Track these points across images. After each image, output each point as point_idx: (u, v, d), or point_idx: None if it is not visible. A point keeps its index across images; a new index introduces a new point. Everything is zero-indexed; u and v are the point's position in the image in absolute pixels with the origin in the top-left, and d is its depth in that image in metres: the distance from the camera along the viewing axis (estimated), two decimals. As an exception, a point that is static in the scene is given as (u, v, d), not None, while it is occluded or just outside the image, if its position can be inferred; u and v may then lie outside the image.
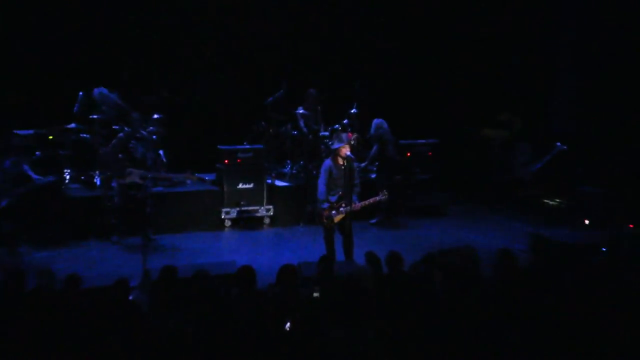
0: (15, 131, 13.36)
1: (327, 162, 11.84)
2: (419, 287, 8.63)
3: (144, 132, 13.32)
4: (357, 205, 11.61)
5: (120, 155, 13.03)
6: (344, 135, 12.04)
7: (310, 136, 15.55)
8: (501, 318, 7.92)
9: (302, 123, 15.69)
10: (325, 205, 11.63)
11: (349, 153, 11.68)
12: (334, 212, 11.68)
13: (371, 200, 11.70)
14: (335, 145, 11.71)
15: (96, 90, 14.22)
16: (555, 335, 7.64)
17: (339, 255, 11.84)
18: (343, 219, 11.69)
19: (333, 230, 11.78)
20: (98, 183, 13.85)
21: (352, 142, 11.60)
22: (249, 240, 14.04)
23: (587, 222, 14.25)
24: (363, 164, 15.34)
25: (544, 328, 7.77)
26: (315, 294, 8.53)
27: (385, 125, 15.16)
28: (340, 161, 11.67)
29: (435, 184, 16.19)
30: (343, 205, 11.63)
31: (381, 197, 11.71)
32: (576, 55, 17.79)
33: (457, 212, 16.19)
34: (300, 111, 15.68)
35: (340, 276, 9.45)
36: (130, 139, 13.04)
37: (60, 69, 15.41)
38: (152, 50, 16.24)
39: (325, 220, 11.70)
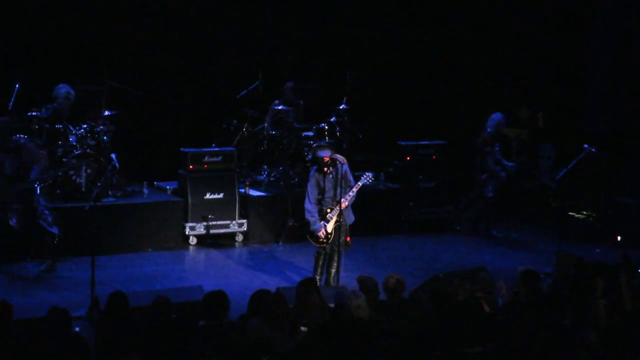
0: None
1: (312, 174, 11.93)
2: (422, 317, 8.55)
3: (26, 143, 12.95)
4: (344, 201, 11.68)
5: None
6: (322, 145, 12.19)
7: (285, 140, 15.41)
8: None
9: (268, 119, 15.61)
10: (318, 225, 11.70)
11: (335, 157, 11.72)
12: (323, 222, 11.76)
13: (354, 188, 11.78)
14: (319, 153, 11.81)
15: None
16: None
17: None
18: (337, 226, 11.74)
19: (330, 250, 11.86)
20: (37, 192, 13.68)
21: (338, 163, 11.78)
22: (218, 261, 13.95)
23: (619, 238, 14.22)
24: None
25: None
26: (303, 328, 8.41)
27: (494, 122, 15.15)
28: (327, 169, 11.77)
29: (442, 193, 16.12)
30: (329, 210, 11.75)
31: (364, 181, 11.81)
32: (614, 40, 17.76)
33: (467, 228, 16.07)
34: (279, 107, 15.57)
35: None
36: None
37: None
38: (98, 30, 16.03)
39: (323, 241, 11.81)
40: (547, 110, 17.77)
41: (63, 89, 13.84)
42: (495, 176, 15.12)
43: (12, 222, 12.53)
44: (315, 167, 11.94)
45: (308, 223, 11.86)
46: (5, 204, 12.34)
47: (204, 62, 16.97)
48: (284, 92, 15.86)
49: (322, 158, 11.72)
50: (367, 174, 11.90)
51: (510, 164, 15.28)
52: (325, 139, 14.99)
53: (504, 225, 15.49)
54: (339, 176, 11.69)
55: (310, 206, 11.82)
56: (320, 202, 11.84)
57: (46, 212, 12.63)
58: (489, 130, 15.20)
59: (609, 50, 17.86)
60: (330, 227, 11.76)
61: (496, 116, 15.25)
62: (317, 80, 16.60)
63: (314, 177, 11.86)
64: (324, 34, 17.66)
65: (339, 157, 11.84)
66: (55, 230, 12.63)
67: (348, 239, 12.00)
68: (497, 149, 15.19)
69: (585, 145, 14.39)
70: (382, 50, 18.14)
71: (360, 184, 11.79)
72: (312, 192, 11.83)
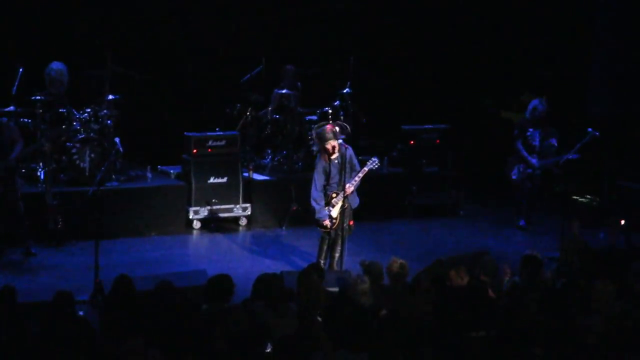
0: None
1: (319, 160, 11.89)
2: (424, 302, 8.54)
3: (7, 121, 12.94)
4: (349, 187, 11.64)
5: None
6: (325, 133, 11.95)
7: (288, 124, 15.40)
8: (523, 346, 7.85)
9: (270, 106, 15.56)
10: (323, 213, 11.62)
11: (340, 142, 11.69)
12: (328, 207, 11.71)
13: (360, 174, 11.73)
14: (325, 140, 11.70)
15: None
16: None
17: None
18: (342, 211, 11.71)
19: (335, 235, 11.83)
20: (42, 177, 13.70)
21: (339, 134, 11.66)
22: (221, 245, 13.98)
23: (623, 222, 14.21)
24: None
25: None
26: (319, 319, 8.38)
27: (530, 107, 14.93)
28: (334, 156, 11.70)
29: (446, 178, 16.09)
30: (334, 195, 11.71)
31: (370, 166, 11.74)
32: (619, 22, 17.68)
33: (471, 212, 16.08)
34: (283, 91, 15.54)
35: (330, 289, 9.37)
36: None
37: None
38: (102, 13, 16.01)
39: (328, 228, 11.79)
40: (551, 94, 17.70)
41: (45, 70, 13.88)
42: (523, 161, 14.88)
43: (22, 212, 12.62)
44: (321, 155, 11.88)
45: (313, 210, 11.83)
46: None
47: (208, 46, 16.94)
48: (284, 74, 15.81)
49: (327, 147, 11.67)
50: (373, 159, 11.85)
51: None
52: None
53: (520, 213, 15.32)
54: (345, 161, 11.66)
55: (316, 193, 11.76)
56: (325, 188, 11.81)
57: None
58: (526, 115, 15.04)
59: (612, 32, 17.81)
60: (335, 212, 11.73)
61: (533, 101, 15.01)
62: (320, 64, 16.55)
63: (320, 164, 11.81)
64: (327, 18, 17.61)
65: (342, 143, 11.82)
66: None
67: (351, 222, 11.97)
68: (528, 134, 14.91)
69: (589, 129, 14.37)
70: (385, 33, 18.09)
71: (366, 169, 11.74)
72: (319, 179, 11.77)
